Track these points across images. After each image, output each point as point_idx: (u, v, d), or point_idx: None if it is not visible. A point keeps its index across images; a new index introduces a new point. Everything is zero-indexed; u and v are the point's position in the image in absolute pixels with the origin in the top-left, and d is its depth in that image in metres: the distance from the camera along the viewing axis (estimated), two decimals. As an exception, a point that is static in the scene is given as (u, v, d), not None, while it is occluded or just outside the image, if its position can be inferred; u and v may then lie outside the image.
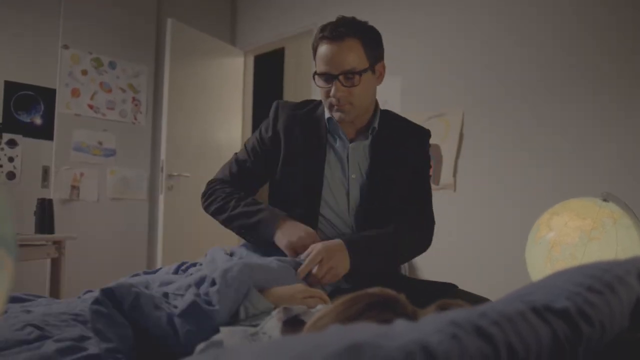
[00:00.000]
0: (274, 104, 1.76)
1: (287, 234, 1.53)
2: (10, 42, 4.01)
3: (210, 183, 1.79)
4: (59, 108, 4.21)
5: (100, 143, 4.43)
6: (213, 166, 4.63)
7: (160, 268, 1.61)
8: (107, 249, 4.38)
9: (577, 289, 0.58)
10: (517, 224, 3.04)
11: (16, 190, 3.96)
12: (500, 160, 3.26)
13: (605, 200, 1.64)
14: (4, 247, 0.52)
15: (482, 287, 1.87)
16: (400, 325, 0.48)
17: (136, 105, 4.67)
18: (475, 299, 1.61)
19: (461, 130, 3.43)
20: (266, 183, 1.80)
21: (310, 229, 1.56)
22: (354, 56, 1.54)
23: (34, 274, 3.66)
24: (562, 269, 0.68)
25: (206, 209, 1.76)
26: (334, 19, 1.60)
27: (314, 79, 1.61)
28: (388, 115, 1.76)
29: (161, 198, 4.29)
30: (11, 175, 3.99)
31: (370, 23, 1.62)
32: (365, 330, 0.46)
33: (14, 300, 1.35)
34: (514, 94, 3.23)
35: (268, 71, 5.85)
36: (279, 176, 1.71)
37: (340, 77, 1.54)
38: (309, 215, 1.64)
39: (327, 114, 1.67)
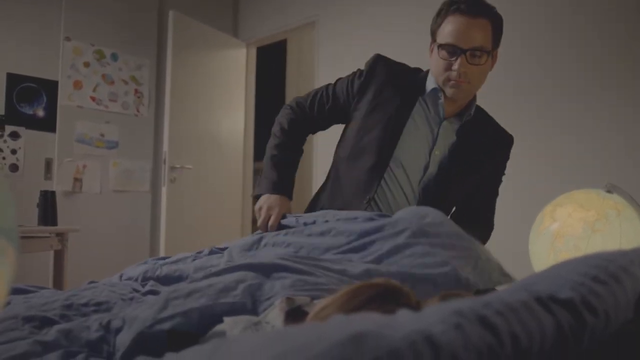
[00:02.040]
0: (375, 56, 1.74)
1: (262, 200, 1.70)
2: (12, 34, 4.01)
3: (294, 99, 1.88)
4: (62, 100, 4.21)
5: (102, 135, 4.43)
6: (216, 158, 4.67)
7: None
8: (110, 240, 4.39)
9: (582, 279, 0.58)
10: (520, 215, 3.03)
11: (19, 182, 3.97)
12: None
13: (609, 191, 1.63)
14: (6, 238, 0.52)
15: (485, 278, 1.87)
16: (403, 316, 0.48)
17: (138, 97, 4.67)
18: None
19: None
20: (331, 126, 1.86)
21: (277, 215, 1.65)
22: (485, 35, 1.53)
23: (37, 266, 3.67)
24: (566, 259, 0.68)
25: (278, 117, 1.86)
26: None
27: (436, 50, 1.58)
28: (482, 111, 1.79)
29: (164, 190, 4.30)
30: (14, 168, 3.99)
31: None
32: (368, 321, 0.45)
33: (16, 291, 1.35)
34: (517, 87, 3.21)
35: (270, 63, 5.84)
36: (359, 125, 1.70)
37: (467, 53, 1.52)
38: (378, 164, 1.65)
39: (432, 84, 1.65)
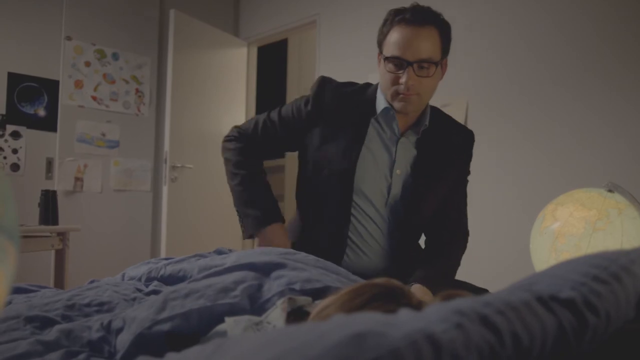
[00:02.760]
0: (320, 79, 1.66)
1: (265, 240, 1.61)
2: (13, 34, 4.01)
3: (234, 129, 1.77)
4: (63, 99, 4.21)
5: (103, 134, 4.43)
6: (216, 157, 4.63)
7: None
8: (111, 240, 4.40)
9: (583, 279, 0.58)
10: (522, 214, 3.03)
11: (20, 181, 3.97)
12: (505, 150, 3.25)
13: (610, 190, 1.63)
14: (6, 236, 0.51)
15: (486, 277, 1.87)
16: (404, 315, 0.48)
17: (139, 96, 4.67)
18: (475, 290, 1.63)
19: (465, 120, 3.42)
20: (281, 155, 1.77)
21: (285, 244, 1.58)
22: (432, 45, 1.47)
23: (38, 266, 3.67)
24: (567, 259, 0.68)
25: (223, 152, 1.77)
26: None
27: (383, 63, 1.52)
28: (437, 113, 1.71)
29: (165, 189, 4.30)
30: (15, 167, 3.99)
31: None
32: (369, 320, 0.45)
33: (18, 291, 1.35)
34: (518, 84, 3.21)
35: (271, 62, 5.84)
36: (314, 158, 1.64)
37: (415, 65, 1.46)
38: (342, 201, 1.60)
39: (383, 104, 1.59)
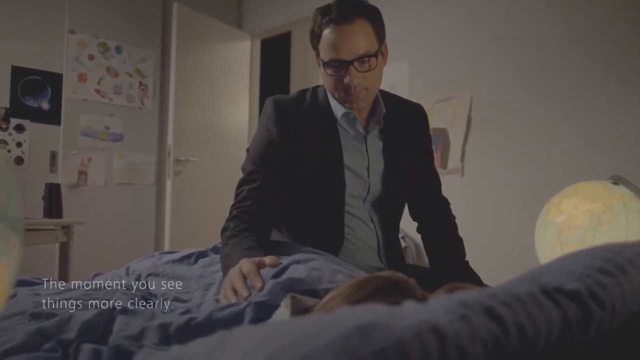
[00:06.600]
0: (270, 103, 1.57)
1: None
2: (17, 27, 4.00)
3: (233, 209, 1.49)
4: (66, 93, 4.21)
5: (107, 128, 4.43)
6: (220, 151, 4.67)
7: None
8: (115, 233, 4.41)
9: (588, 271, 0.58)
10: (526, 208, 3.02)
11: (24, 175, 3.98)
12: (509, 144, 3.24)
13: (615, 183, 1.63)
14: (10, 227, 0.51)
15: (491, 271, 1.86)
16: (409, 306, 0.48)
17: (143, 90, 4.67)
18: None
19: (469, 113, 3.41)
20: (284, 194, 1.57)
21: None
22: (366, 38, 1.44)
23: (42, 259, 3.68)
24: (572, 251, 0.68)
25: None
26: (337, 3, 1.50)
27: (323, 67, 1.49)
28: (386, 96, 1.67)
29: (168, 183, 4.31)
30: (19, 160, 4.00)
31: (378, 6, 1.56)
32: (374, 311, 0.45)
33: (22, 283, 1.36)
34: (522, 77, 3.20)
35: (275, 55, 5.82)
36: (296, 185, 1.56)
37: (355, 63, 1.43)
38: (335, 215, 1.57)
39: (339, 109, 1.56)
